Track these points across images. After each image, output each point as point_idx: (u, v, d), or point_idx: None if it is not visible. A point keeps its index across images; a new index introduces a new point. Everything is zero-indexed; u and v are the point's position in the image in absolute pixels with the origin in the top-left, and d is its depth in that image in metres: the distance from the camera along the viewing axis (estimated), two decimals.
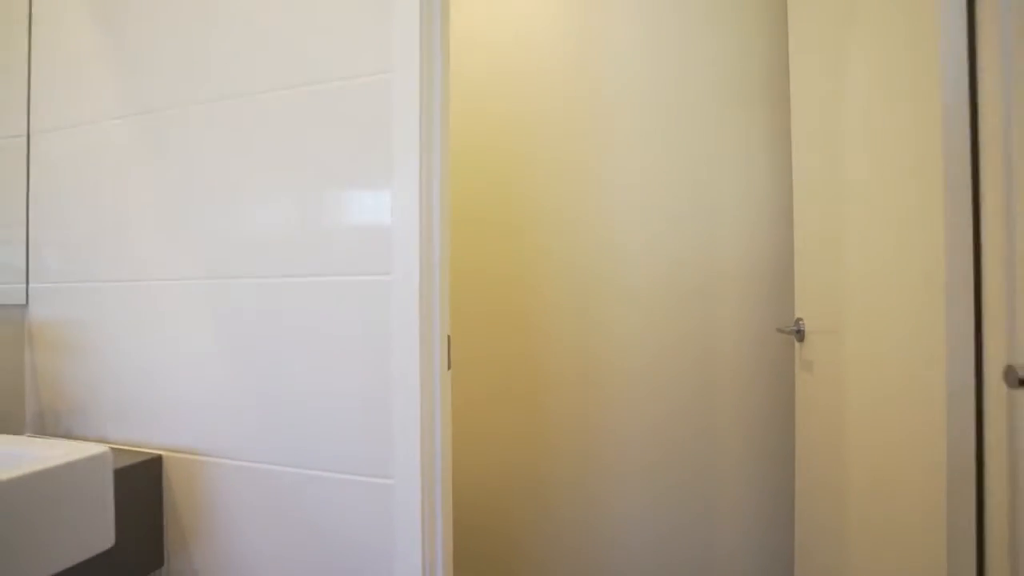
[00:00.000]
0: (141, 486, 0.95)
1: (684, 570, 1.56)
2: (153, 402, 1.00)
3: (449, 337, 0.87)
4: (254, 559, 0.91)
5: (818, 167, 1.18)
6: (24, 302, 1.11)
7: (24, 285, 1.11)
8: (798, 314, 1.31)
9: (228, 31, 0.93)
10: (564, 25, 1.66)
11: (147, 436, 1.00)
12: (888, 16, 0.83)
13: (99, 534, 0.76)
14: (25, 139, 1.11)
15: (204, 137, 0.95)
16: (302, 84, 0.87)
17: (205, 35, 0.95)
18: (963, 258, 0.64)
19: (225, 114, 0.93)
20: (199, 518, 0.96)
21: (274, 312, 0.90)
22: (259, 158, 0.91)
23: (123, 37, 1.02)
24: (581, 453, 1.65)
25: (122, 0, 1.02)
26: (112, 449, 0.78)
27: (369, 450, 0.83)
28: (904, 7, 0.78)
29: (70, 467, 0.72)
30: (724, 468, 1.53)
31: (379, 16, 0.82)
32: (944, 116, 0.66)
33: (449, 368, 0.86)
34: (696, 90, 1.55)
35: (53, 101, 1.09)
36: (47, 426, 1.09)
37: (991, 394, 0.61)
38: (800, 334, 1.28)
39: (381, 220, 0.83)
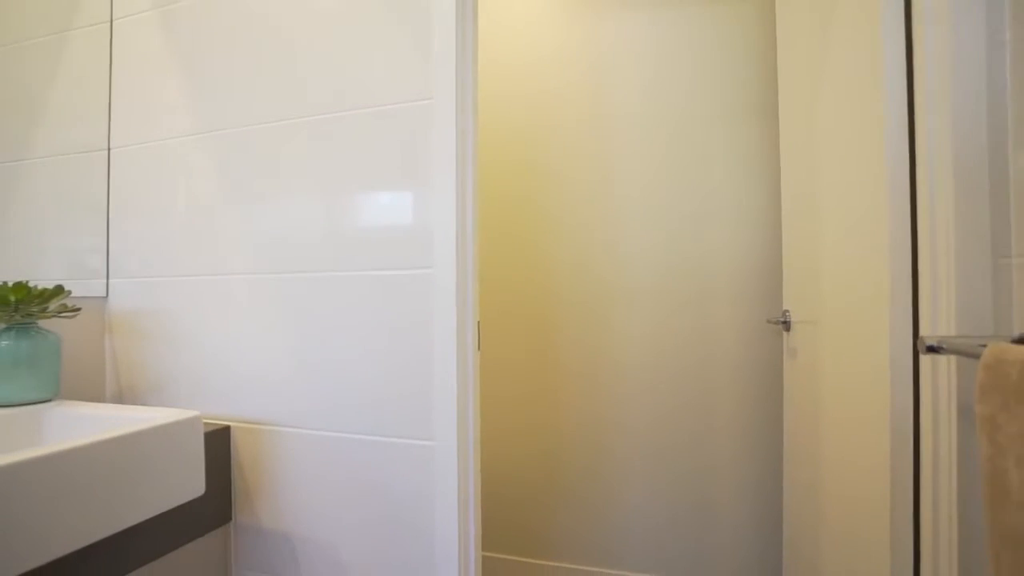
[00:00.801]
0: (211, 452, 1.11)
1: (686, 542, 1.71)
2: (221, 380, 1.16)
3: (479, 322, 1.02)
4: (311, 513, 1.07)
5: (800, 179, 1.32)
6: (104, 295, 1.27)
7: (105, 280, 1.27)
8: (785, 306, 1.46)
9: (298, 64, 1.09)
10: (574, 49, 1.82)
11: (216, 408, 1.16)
12: (849, 56, 0.98)
13: (194, 483, 0.92)
14: (106, 153, 1.28)
15: (269, 152, 1.11)
16: (357, 108, 1.03)
17: (276, 68, 1.11)
18: (903, 258, 0.79)
19: (290, 132, 1.09)
20: (262, 479, 1.11)
21: (332, 301, 1.05)
22: (320, 168, 1.07)
23: (197, 65, 1.19)
24: (591, 440, 1.80)
25: (196, 31, 1.19)
26: None
27: (414, 417, 0.99)
28: (858, 51, 0.93)
29: (175, 425, 0.88)
30: (722, 449, 1.67)
31: (423, 55, 0.98)
32: (887, 147, 0.81)
33: (479, 349, 1.02)
34: (695, 109, 1.71)
35: (131, 119, 1.26)
36: (125, 402, 1.25)
37: (923, 361, 0.76)
38: (787, 324, 1.43)
39: (424, 222, 0.99)
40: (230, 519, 1.14)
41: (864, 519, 0.93)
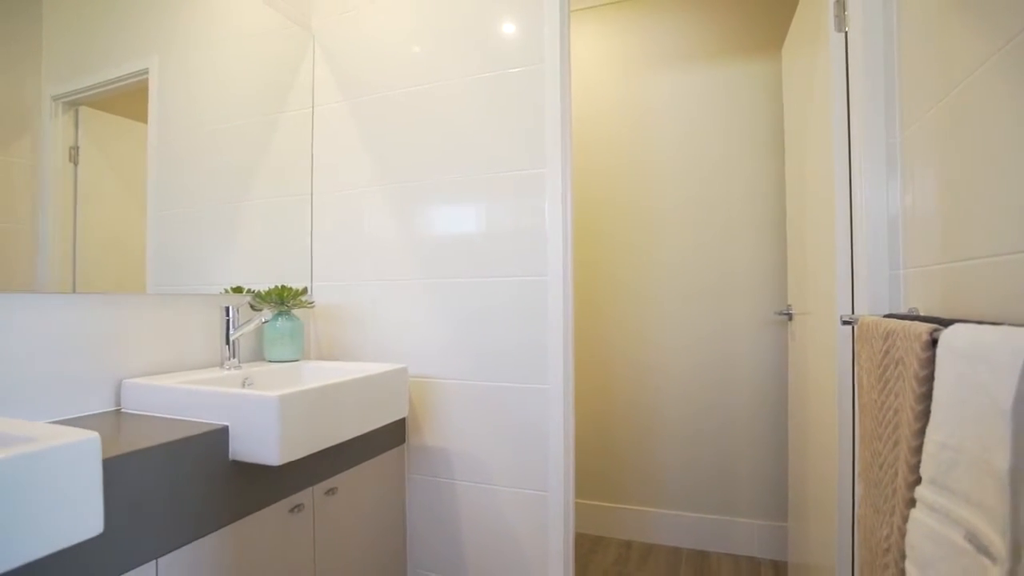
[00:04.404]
0: None
1: (712, 486, 2.21)
2: (395, 350, 1.74)
3: (573, 313, 1.57)
4: (460, 435, 1.64)
5: (796, 205, 1.82)
6: (310, 293, 1.87)
7: (309, 283, 1.88)
8: (789, 301, 1.95)
9: (448, 141, 1.67)
10: (628, 102, 2.34)
11: None
12: (819, 131, 1.48)
13: (403, 408, 1.50)
14: (309, 197, 1.88)
15: (431, 198, 1.68)
16: (500, 172, 1.59)
17: (432, 144, 1.69)
18: (845, 270, 1.29)
19: (452, 186, 1.66)
20: (427, 414, 1.69)
21: (480, 297, 1.62)
22: (465, 210, 1.64)
23: (374, 139, 1.77)
24: (637, 412, 2.32)
25: (374, 115, 1.78)
26: None
27: (533, 372, 1.54)
28: (823, 117, 1.43)
29: (393, 371, 1.46)
30: (740, 418, 2.17)
31: (539, 141, 1.54)
32: (837, 190, 1.31)
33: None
34: (724, 148, 2.21)
35: (326, 174, 1.86)
36: None
37: (855, 329, 1.26)
38: (790, 316, 1.92)
39: (541, 244, 1.54)
40: (404, 441, 1.72)
41: (827, 437, 1.43)
